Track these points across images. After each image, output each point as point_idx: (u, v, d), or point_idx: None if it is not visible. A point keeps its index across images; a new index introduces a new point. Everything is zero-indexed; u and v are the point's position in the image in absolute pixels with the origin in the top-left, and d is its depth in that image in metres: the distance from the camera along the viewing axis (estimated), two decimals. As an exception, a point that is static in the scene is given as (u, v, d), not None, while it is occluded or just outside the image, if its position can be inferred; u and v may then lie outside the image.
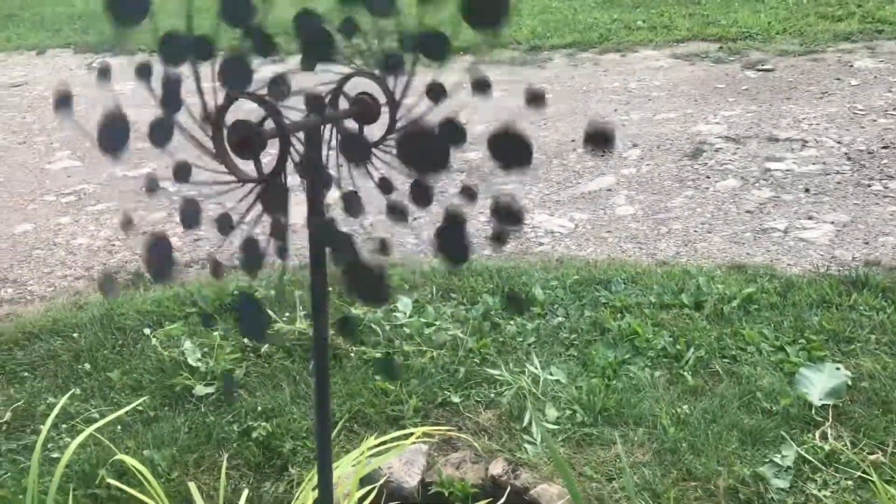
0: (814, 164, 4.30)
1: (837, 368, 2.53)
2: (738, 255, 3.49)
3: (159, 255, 0.92)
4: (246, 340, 2.90)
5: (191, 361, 2.78)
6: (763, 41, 6.67)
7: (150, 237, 0.91)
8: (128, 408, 2.35)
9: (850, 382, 2.48)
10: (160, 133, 0.86)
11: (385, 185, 1.11)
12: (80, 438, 1.97)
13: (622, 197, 4.16)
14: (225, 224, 0.98)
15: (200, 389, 2.67)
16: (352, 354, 2.78)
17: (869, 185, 4.01)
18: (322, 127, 0.99)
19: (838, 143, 4.54)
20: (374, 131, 1.07)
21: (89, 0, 11.14)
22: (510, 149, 0.78)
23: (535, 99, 0.92)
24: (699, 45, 6.80)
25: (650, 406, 2.47)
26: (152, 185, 1.02)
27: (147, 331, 3.04)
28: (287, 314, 3.02)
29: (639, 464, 2.26)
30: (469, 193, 1.02)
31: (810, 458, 2.21)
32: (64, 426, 2.57)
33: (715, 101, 5.43)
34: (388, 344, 2.84)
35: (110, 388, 2.74)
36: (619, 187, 4.28)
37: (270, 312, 3.03)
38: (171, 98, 0.85)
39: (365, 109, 1.06)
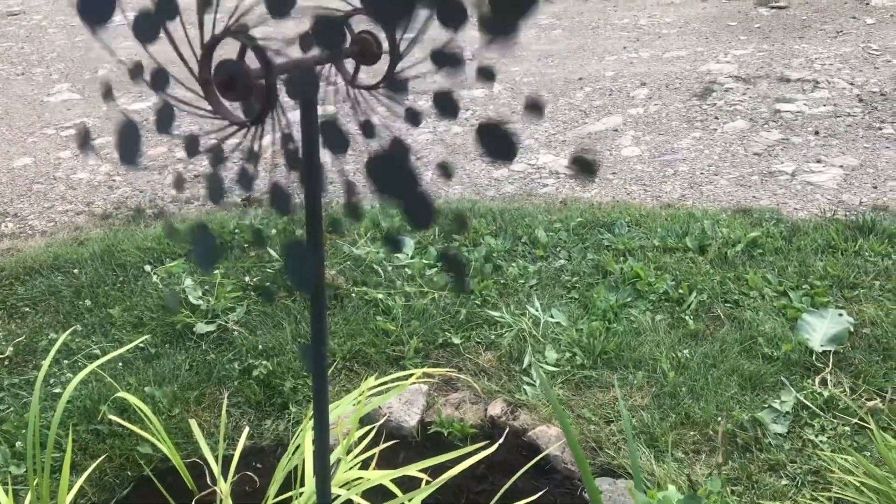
0: (825, 105, 4.23)
1: (840, 314, 2.52)
2: (744, 198, 3.45)
3: (128, 138, 0.91)
4: (247, 279, 2.90)
5: (192, 299, 2.78)
6: (778, -23, 6.49)
7: (121, 121, 0.90)
8: (129, 346, 2.35)
9: (852, 329, 2.47)
10: (147, 27, 0.82)
11: (367, 129, 1.08)
12: (81, 375, 1.97)
13: (628, 137, 4.10)
14: (217, 156, 0.95)
15: (201, 327, 2.67)
16: (353, 294, 2.78)
17: (880, 129, 3.94)
18: (321, 68, 0.95)
19: (850, 84, 4.45)
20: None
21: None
22: (496, 143, 0.75)
23: (534, 107, 0.86)
24: (712, -20, 6.63)
25: (650, 350, 2.47)
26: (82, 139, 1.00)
27: (148, 268, 3.03)
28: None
29: (637, 407, 2.27)
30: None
31: (809, 403, 2.22)
32: (66, 362, 2.58)
33: (726, 39, 5.31)
34: (390, 284, 2.83)
35: (111, 324, 2.75)
36: (626, 128, 4.21)
37: (272, 252, 3.02)
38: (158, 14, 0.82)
39: (366, 49, 1.02)
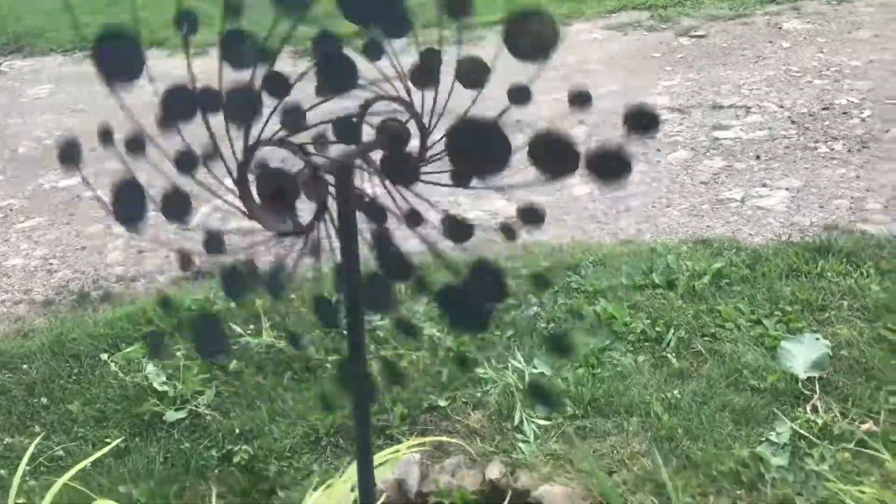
0: (760, 129, 4.35)
1: (817, 339, 2.54)
2: (698, 228, 3.49)
3: (130, 199, 0.83)
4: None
5: (156, 386, 2.64)
6: (693, 7, 6.70)
7: (119, 181, 0.81)
8: (104, 450, 2.21)
9: (830, 352, 2.49)
10: (177, 206, 0.77)
11: (413, 219, 1.04)
12: (54, 489, 1.84)
13: (576, 176, 4.12)
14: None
15: (171, 415, 2.54)
16: (328, 365, 2.68)
17: (815, 148, 4.06)
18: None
19: (780, 106, 4.59)
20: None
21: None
22: (553, 154, 0.70)
23: (580, 99, 0.91)
24: (630, 14, 6.80)
25: (639, 393, 2.44)
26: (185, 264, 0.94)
27: (104, 356, 2.87)
28: (251, 326, 2.90)
29: (637, 454, 2.23)
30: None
31: (805, 433, 2.22)
32: (28, 468, 2.40)
33: (654, 72, 5.44)
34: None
35: (72, 421, 2.58)
36: (572, 166, 4.24)
37: (234, 326, 2.90)
38: (184, 164, 0.76)
39: (395, 134, 0.97)
